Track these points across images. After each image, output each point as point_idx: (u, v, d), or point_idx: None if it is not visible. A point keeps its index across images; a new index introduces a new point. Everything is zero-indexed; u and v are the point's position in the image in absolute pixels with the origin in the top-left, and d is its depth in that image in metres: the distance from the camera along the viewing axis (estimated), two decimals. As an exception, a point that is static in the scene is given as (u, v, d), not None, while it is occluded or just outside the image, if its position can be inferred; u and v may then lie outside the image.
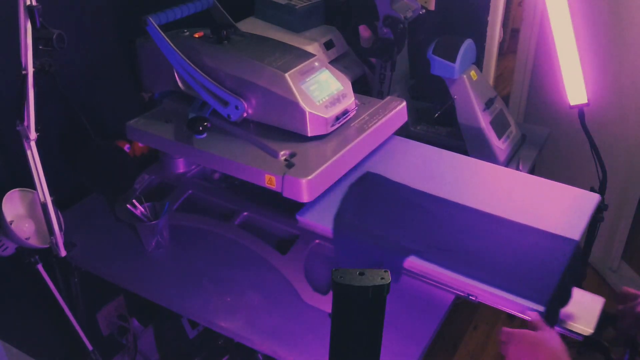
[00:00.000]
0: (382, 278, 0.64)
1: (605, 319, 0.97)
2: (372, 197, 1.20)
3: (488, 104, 1.54)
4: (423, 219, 1.14)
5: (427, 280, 1.12)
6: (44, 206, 1.15)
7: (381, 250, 1.08)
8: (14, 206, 1.22)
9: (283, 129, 1.14)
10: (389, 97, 1.30)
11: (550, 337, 0.88)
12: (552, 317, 0.94)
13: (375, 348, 0.69)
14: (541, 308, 0.93)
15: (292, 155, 1.11)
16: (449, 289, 1.06)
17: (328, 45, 1.57)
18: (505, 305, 0.99)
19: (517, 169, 1.55)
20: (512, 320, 2.12)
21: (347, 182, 1.24)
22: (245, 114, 1.16)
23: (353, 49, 1.62)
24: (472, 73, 1.53)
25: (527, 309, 0.95)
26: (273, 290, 1.18)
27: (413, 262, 1.05)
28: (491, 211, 1.15)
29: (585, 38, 1.49)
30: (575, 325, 0.96)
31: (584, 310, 0.98)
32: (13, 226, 1.19)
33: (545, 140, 1.68)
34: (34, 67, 1.02)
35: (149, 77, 1.34)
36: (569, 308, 0.97)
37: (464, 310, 2.14)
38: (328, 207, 1.17)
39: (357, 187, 1.22)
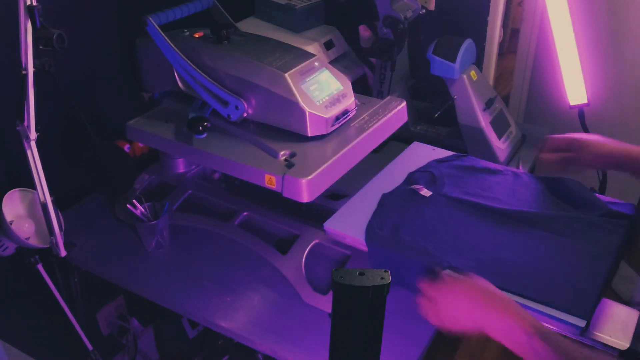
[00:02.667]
0: (382, 278, 0.64)
1: None
2: (404, 208, 1.19)
3: (488, 104, 1.54)
4: (455, 230, 1.13)
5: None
6: (44, 206, 1.15)
7: (416, 263, 1.05)
8: (14, 206, 1.22)
9: (283, 129, 1.14)
10: (389, 97, 1.30)
11: (475, 280, 0.90)
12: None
13: (375, 348, 0.69)
14: (582, 323, 0.90)
15: (292, 155, 1.11)
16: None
17: (328, 45, 1.56)
18: (545, 320, 0.94)
19: (517, 168, 1.55)
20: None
21: (374, 192, 1.23)
22: (245, 114, 1.16)
23: (353, 49, 1.62)
24: (472, 73, 1.53)
25: (567, 324, 0.92)
26: (273, 290, 1.18)
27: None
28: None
29: (585, 38, 1.49)
30: (610, 339, 0.93)
31: (619, 323, 0.95)
32: (13, 226, 1.19)
33: (545, 141, 1.68)
34: (34, 67, 1.02)
35: (149, 77, 1.34)
36: (605, 321, 0.95)
37: (464, 310, 2.13)
38: (357, 218, 1.15)
39: (389, 198, 1.21)
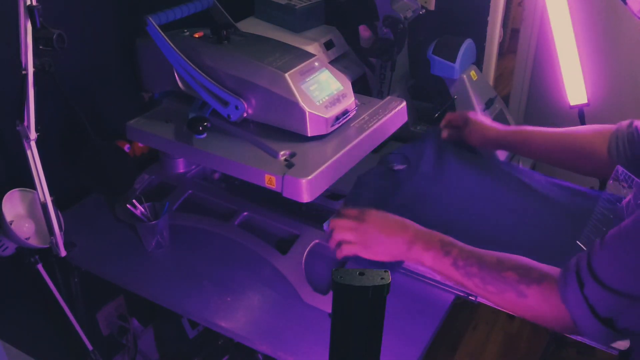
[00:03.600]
0: (382, 278, 0.64)
1: None
2: (380, 186, 1.19)
3: (488, 104, 1.54)
4: (431, 204, 1.14)
5: (429, 282, 1.12)
6: (44, 206, 1.15)
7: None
8: (14, 206, 1.22)
9: (283, 129, 1.14)
10: (389, 97, 1.30)
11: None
12: None
13: (375, 348, 0.69)
14: None
15: (292, 155, 1.11)
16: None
17: (328, 45, 1.56)
18: None
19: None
20: (512, 320, 2.12)
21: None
22: (245, 114, 1.16)
23: (353, 49, 1.62)
24: (472, 73, 1.53)
25: None
26: (273, 290, 1.18)
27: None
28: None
29: (585, 38, 1.49)
30: None
31: None
32: (13, 226, 1.19)
33: (545, 140, 1.68)
34: (34, 67, 1.02)
35: (149, 77, 1.34)
36: None
37: (464, 310, 2.14)
38: None
39: (364, 178, 1.22)
